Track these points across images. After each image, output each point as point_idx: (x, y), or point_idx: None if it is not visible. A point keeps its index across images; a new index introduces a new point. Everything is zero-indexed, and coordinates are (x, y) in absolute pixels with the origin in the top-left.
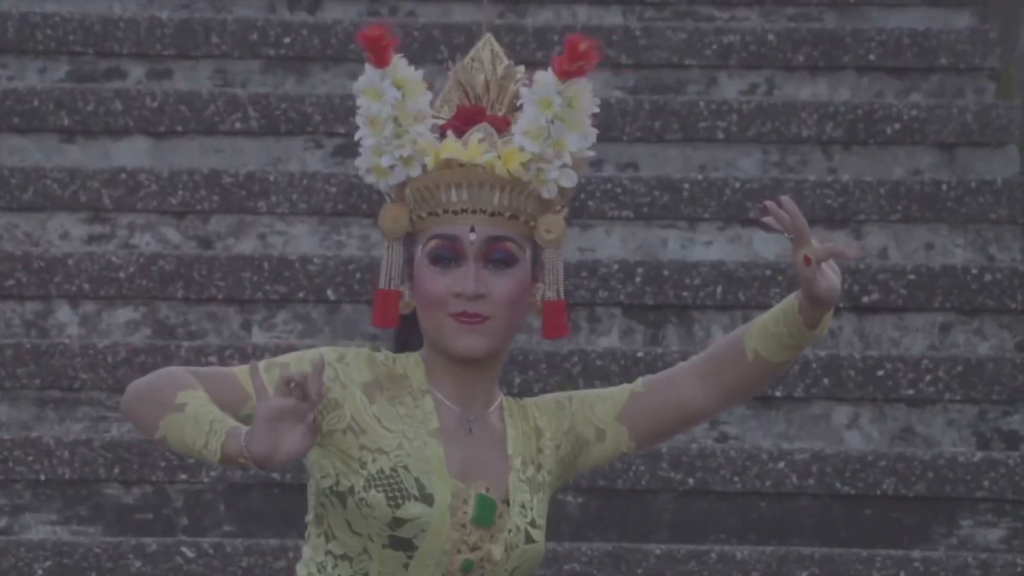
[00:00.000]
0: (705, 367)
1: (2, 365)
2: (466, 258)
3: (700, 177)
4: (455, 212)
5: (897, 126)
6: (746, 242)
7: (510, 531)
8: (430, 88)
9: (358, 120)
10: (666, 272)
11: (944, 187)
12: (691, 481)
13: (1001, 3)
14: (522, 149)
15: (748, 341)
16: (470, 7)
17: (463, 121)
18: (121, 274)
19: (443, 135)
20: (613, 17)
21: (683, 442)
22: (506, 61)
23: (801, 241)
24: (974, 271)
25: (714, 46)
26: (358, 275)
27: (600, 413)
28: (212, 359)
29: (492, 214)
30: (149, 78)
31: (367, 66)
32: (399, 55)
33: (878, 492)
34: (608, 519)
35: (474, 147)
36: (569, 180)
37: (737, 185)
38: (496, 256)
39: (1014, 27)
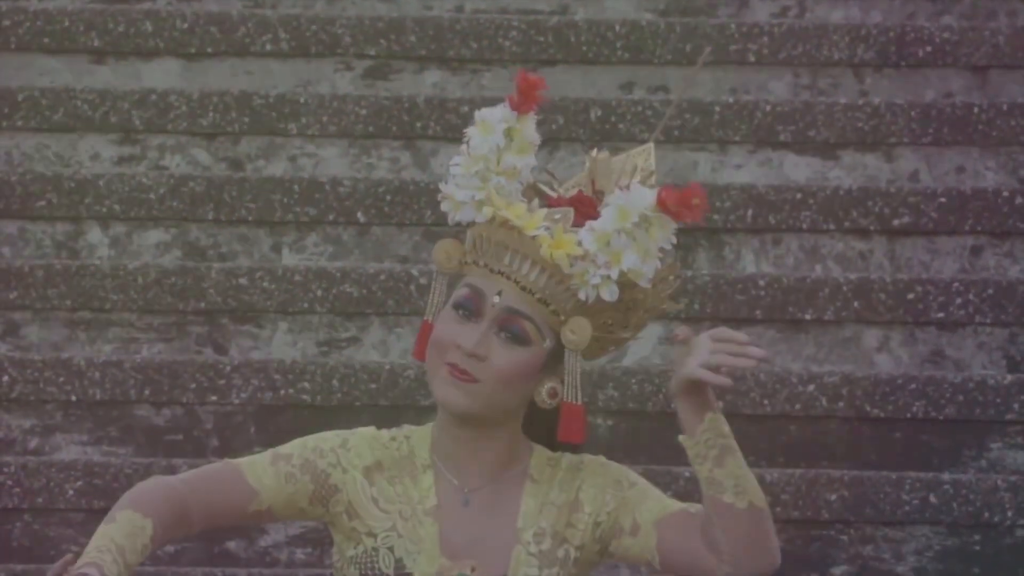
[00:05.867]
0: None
1: (33, 286)
2: (482, 317)
3: (731, 100)
4: (492, 271)
5: (929, 48)
6: (777, 165)
7: None
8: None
9: (461, 146)
10: None
11: (976, 110)
12: (721, 404)
13: None
14: (579, 243)
15: None
16: None
17: (571, 204)
18: (152, 195)
19: (549, 207)
20: None
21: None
22: (651, 177)
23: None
24: (1005, 194)
25: None
26: (388, 197)
27: (644, 511)
28: (243, 280)
29: (523, 288)
30: None
31: (503, 103)
32: (535, 115)
33: (908, 415)
34: (638, 441)
35: (534, 219)
36: (609, 294)
37: (768, 108)
38: (511, 328)
39: None
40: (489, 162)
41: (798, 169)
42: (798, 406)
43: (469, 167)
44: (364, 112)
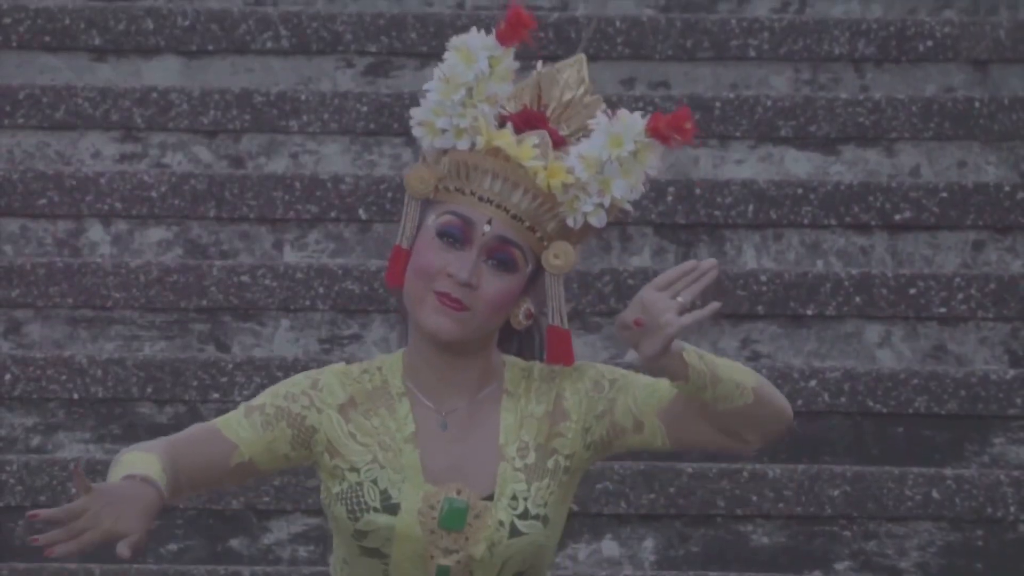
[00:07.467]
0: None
1: (34, 284)
2: (471, 245)
3: (732, 95)
4: (480, 199)
5: (930, 43)
6: (777, 160)
7: (493, 527)
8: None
9: (436, 72)
10: (698, 191)
11: (977, 104)
12: None
13: None
14: (570, 171)
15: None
16: None
17: (524, 121)
18: (153, 193)
19: (501, 124)
20: None
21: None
22: (591, 90)
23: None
24: (1007, 188)
25: None
26: (390, 194)
27: (641, 405)
28: (245, 277)
29: (513, 216)
30: None
31: (484, 32)
32: (517, 48)
33: (910, 410)
34: None
35: (527, 148)
36: (599, 220)
37: (769, 103)
38: (499, 256)
39: None
40: (471, 89)
41: (799, 164)
42: (800, 401)
43: (448, 94)
44: (365, 109)
